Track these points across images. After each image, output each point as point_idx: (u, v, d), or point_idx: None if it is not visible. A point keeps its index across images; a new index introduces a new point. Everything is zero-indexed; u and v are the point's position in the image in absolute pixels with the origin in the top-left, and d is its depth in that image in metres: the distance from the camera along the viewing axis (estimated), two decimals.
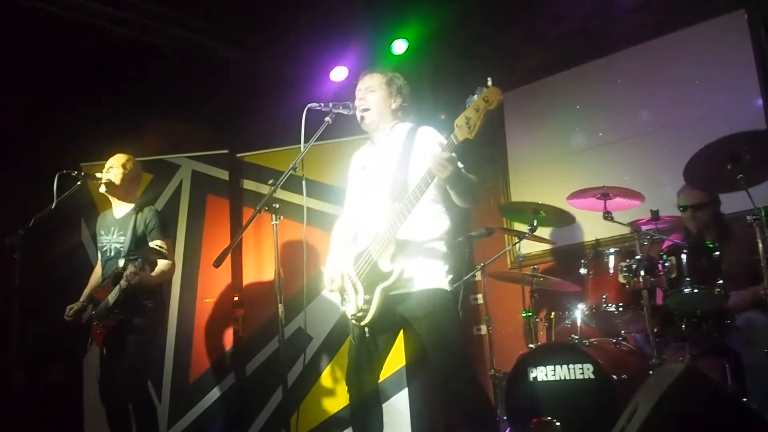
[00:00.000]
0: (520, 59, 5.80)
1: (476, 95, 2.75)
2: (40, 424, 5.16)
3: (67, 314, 4.31)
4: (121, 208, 4.40)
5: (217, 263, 2.96)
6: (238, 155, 5.62)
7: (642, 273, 3.81)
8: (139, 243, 4.21)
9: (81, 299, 4.40)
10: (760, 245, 3.43)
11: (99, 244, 4.42)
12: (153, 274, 4.11)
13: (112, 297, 4.08)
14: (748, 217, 3.49)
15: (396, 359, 4.87)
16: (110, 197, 4.41)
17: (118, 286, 4.04)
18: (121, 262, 4.05)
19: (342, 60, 5.60)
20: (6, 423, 4.48)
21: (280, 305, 3.10)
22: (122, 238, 4.26)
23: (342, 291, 3.30)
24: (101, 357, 4.22)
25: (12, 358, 4.07)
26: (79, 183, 4.24)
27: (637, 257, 3.89)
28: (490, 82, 2.74)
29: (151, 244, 4.19)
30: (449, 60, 5.81)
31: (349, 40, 5.46)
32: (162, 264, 4.18)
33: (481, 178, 3.20)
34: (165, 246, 4.19)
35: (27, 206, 4.25)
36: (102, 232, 4.40)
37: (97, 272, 4.49)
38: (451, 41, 5.68)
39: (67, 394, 5.22)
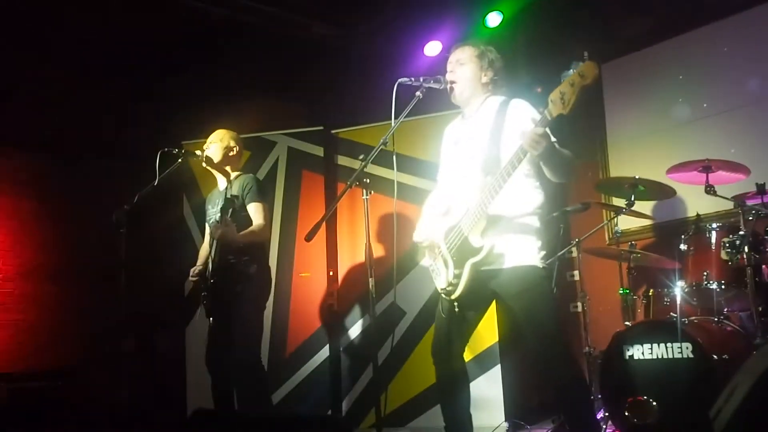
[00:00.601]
0: (620, 28, 5.59)
1: (572, 69, 2.67)
2: (148, 390, 5.44)
3: (191, 276, 4.35)
4: (223, 182, 4.50)
5: (309, 237, 3.03)
6: (333, 131, 5.70)
7: (746, 249, 3.66)
8: (235, 199, 4.21)
9: (198, 262, 4.45)
10: None
11: (207, 218, 4.53)
12: (241, 233, 4.13)
13: (210, 262, 4.17)
14: None
15: (490, 334, 4.87)
16: (214, 172, 4.51)
17: (213, 249, 4.12)
18: (220, 213, 4.07)
19: (436, 34, 5.55)
20: (118, 387, 4.74)
21: (370, 279, 3.14)
22: (222, 204, 4.31)
23: (433, 257, 3.31)
24: (209, 326, 4.28)
25: (122, 326, 4.28)
26: (180, 160, 4.35)
27: (741, 233, 3.73)
28: (586, 56, 2.65)
29: (248, 206, 4.27)
30: (545, 31, 5.66)
31: (443, 14, 5.41)
32: (254, 225, 4.23)
33: (577, 153, 3.13)
34: (261, 207, 4.26)
35: (132, 184, 4.43)
36: (209, 207, 4.52)
37: (204, 247, 4.57)
38: (548, 11, 5.53)
39: (172, 361, 5.49)
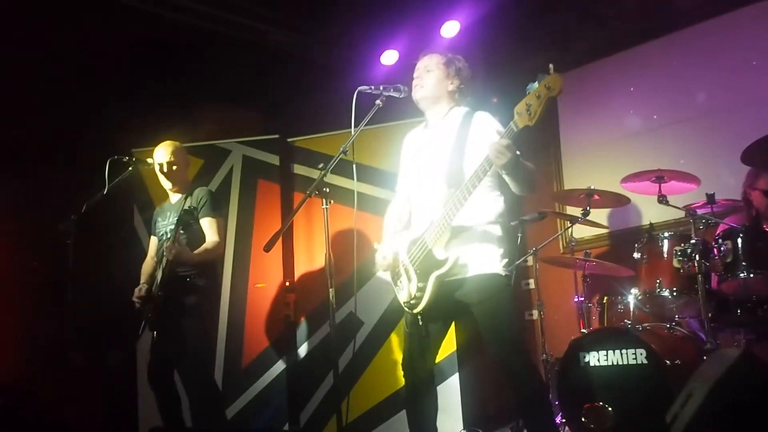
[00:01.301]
0: (574, 40, 5.69)
1: (537, 82, 2.70)
2: (99, 406, 5.29)
3: (136, 296, 4.24)
4: (175, 195, 4.46)
5: (268, 248, 2.99)
6: (289, 140, 5.64)
7: (697, 257, 3.73)
8: (188, 215, 4.17)
9: (142, 281, 4.39)
10: None
11: (156, 230, 4.47)
12: (195, 252, 4.11)
13: (159, 274, 4.11)
14: None
15: (448, 344, 4.86)
16: (166, 185, 4.46)
17: (161, 263, 4.07)
18: (172, 231, 4.07)
19: (393, 43, 5.58)
20: (67, 404, 4.60)
21: (330, 290, 3.12)
22: (176, 218, 4.25)
23: (394, 273, 3.30)
24: (152, 340, 4.22)
25: (70, 341, 4.17)
26: (130, 168, 4.30)
27: (692, 241, 3.81)
28: (552, 68, 2.68)
29: (201, 221, 4.23)
30: (501, 41, 5.73)
31: (400, 23, 5.42)
32: (207, 242, 4.20)
33: (534, 163, 3.16)
34: (215, 223, 4.22)
35: (80, 193, 4.33)
36: (159, 219, 4.47)
37: (148, 261, 4.50)
38: (504, 22, 5.60)
39: (123, 377, 5.35)
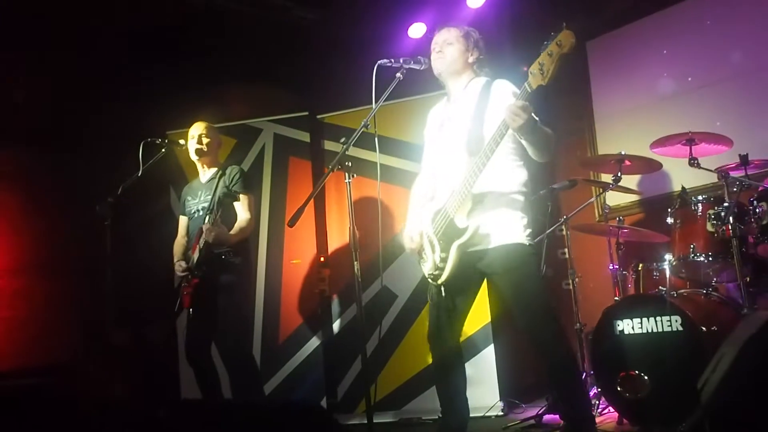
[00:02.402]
0: (604, 3, 5.57)
1: (549, 40, 2.68)
2: (141, 382, 5.42)
3: (180, 272, 4.34)
4: (207, 173, 4.51)
5: (292, 222, 3.01)
6: (319, 116, 5.67)
7: (731, 221, 3.65)
8: (226, 198, 4.24)
9: (176, 258, 4.47)
10: None
11: (186, 209, 4.52)
12: (231, 231, 4.17)
13: (196, 255, 4.18)
14: None
15: (482, 315, 4.87)
16: (198, 163, 4.52)
17: (199, 243, 4.13)
18: (209, 215, 4.14)
19: (419, 16, 5.53)
20: (111, 382, 4.73)
21: (356, 263, 3.14)
22: (209, 197, 4.34)
23: (420, 250, 3.32)
24: (188, 317, 4.31)
25: (111, 321, 4.29)
26: (164, 150, 4.38)
27: (726, 204, 3.73)
28: (564, 26, 2.67)
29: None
30: (530, 9, 5.64)
31: None
32: (241, 221, 4.25)
33: (564, 129, 3.13)
34: (247, 200, 4.28)
35: (116, 175, 4.42)
36: (189, 198, 4.52)
37: (179, 241, 4.57)
38: None
39: (164, 353, 5.48)
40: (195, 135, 4.48)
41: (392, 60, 3.34)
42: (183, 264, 4.33)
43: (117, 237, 4.15)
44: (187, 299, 4.25)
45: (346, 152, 3.23)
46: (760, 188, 3.92)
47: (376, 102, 3.26)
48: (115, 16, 5.23)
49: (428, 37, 5.02)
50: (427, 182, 3.50)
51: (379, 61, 3.32)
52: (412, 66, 3.34)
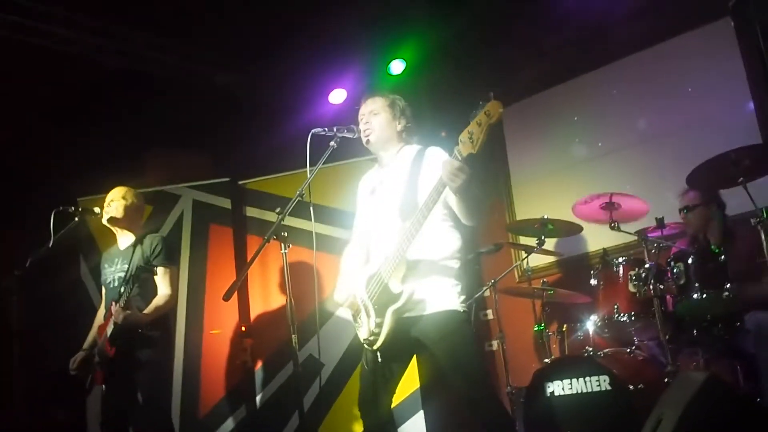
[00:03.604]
0: (517, 72, 5.81)
1: (478, 110, 2.74)
2: None
3: (71, 368, 4.13)
4: (124, 240, 4.33)
5: (227, 297, 2.93)
6: (240, 182, 5.60)
7: (652, 281, 3.81)
8: (144, 269, 4.07)
9: (84, 347, 4.24)
10: (765, 246, 3.43)
11: (102, 278, 4.33)
12: (146, 311, 4.00)
13: (109, 329, 3.97)
14: (752, 220, 3.50)
15: (409, 383, 4.83)
16: (114, 230, 4.34)
17: (112, 319, 3.95)
18: (123, 288, 3.95)
19: (340, 82, 5.62)
20: None
21: (293, 335, 3.07)
22: (126, 266, 4.17)
23: (355, 312, 3.27)
24: (102, 396, 4.08)
25: (15, 400, 4.03)
26: (76, 219, 4.19)
27: (646, 266, 3.90)
28: (491, 96, 2.71)
29: (154, 270, 4.11)
30: (447, 77, 5.82)
31: (347, 62, 5.47)
32: (159, 297, 4.10)
33: (484, 193, 3.18)
34: (168, 273, 4.14)
35: (25, 245, 4.21)
36: (106, 265, 4.33)
37: (100, 314, 4.36)
38: (448, 58, 5.69)
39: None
40: (109, 201, 4.32)
41: (326, 129, 3.34)
42: (80, 358, 4.14)
43: (26, 309, 3.93)
44: (99, 376, 4.04)
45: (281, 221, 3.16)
46: (674, 250, 4.11)
47: (310, 171, 3.24)
48: (30, 79, 5.06)
49: (350, 103, 5.12)
50: (359, 247, 3.48)
51: (312, 130, 3.31)
52: (346, 135, 3.35)
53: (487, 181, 5.80)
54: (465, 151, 2.77)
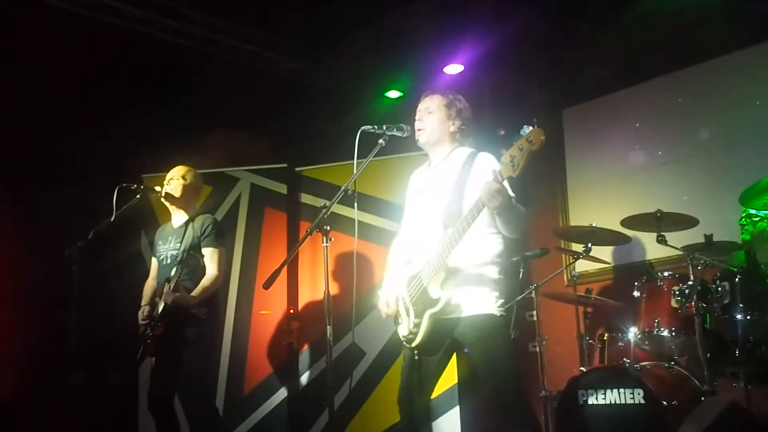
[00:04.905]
0: (579, 75, 5.75)
1: (521, 134, 2.78)
2: (97, 426, 5.32)
3: (141, 319, 4.27)
4: (179, 218, 4.48)
5: (267, 285, 3.04)
6: (297, 169, 5.72)
7: (694, 298, 3.77)
8: (194, 249, 4.25)
9: (143, 302, 4.41)
10: None
11: (156, 254, 4.49)
12: (193, 293, 4.13)
13: (161, 306, 4.12)
14: None
15: (448, 378, 4.89)
16: (170, 208, 4.51)
17: (163, 296, 4.09)
18: (174, 270, 4.11)
19: (398, 78, 5.66)
20: (67, 422, 4.64)
21: (328, 327, 3.16)
22: (178, 245, 4.31)
23: (396, 314, 3.36)
24: (152, 367, 4.27)
25: (71, 359, 4.22)
26: (138, 196, 4.32)
27: (690, 282, 3.85)
28: (535, 122, 2.76)
29: (203, 251, 4.27)
30: (507, 78, 5.80)
31: (406, 58, 5.51)
32: (206, 278, 4.22)
33: (537, 195, 3.20)
34: (217, 254, 4.27)
35: (89, 215, 4.39)
36: (160, 242, 4.49)
37: (149, 283, 4.53)
38: (509, 58, 5.66)
39: (124, 398, 5.39)
40: (168, 179, 4.48)
41: (375, 126, 3.39)
42: (147, 310, 4.28)
43: (85, 279, 4.10)
44: (150, 348, 4.21)
45: (325, 216, 3.25)
46: (722, 268, 4.04)
47: (357, 167, 3.31)
48: (99, 54, 5.25)
49: (407, 100, 5.15)
50: (405, 245, 3.54)
51: (362, 127, 3.38)
52: (395, 133, 3.40)
53: (542, 183, 5.77)
54: (506, 173, 2.82)
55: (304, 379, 5.32)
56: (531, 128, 2.73)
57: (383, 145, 3.40)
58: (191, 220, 4.42)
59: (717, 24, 4.90)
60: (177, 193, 4.44)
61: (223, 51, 5.52)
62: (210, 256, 4.29)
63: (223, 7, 5.17)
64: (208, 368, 4.45)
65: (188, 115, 5.73)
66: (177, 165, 4.61)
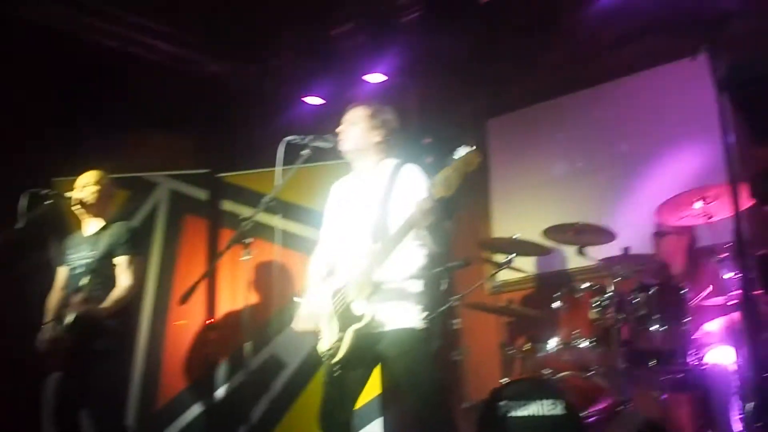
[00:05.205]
0: (506, 86, 5.81)
1: (456, 156, 2.80)
2: None
3: (43, 340, 4.06)
4: (92, 226, 4.32)
5: (183, 300, 2.94)
6: (219, 175, 5.58)
7: (612, 310, 3.85)
8: (108, 258, 4.12)
9: (48, 317, 4.21)
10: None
11: (66, 263, 4.30)
12: (105, 303, 3.99)
13: (69, 318, 3.94)
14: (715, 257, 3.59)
15: (371, 389, 4.83)
16: (83, 215, 4.34)
17: (71, 312, 3.93)
18: (85, 279, 3.98)
19: (322, 85, 5.59)
20: None
21: (246, 345, 3.09)
22: (91, 253, 4.15)
23: (316, 329, 3.30)
24: (57, 382, 4.05)
25: None
26: (48, 202, 4.15)
27: (608, 294, 3.94)
28: (473, 146, 2.81)
29: (117, 260, 4.13)
30: (434, 86, 5.82)
31: (330, 65, 5.46)
32: (118, 289, 4.09)
33: (462, 205, 3.22)
34: (133, 263, 4.13)
35: None
36: (71, 251, 4.31)
37: (55, 295, 4.33)
38: (437, 67, 5.69)
39: (25, 413, 5.13)
40: (82, 184, 4.31)
41: (300, 137, 3.36)
42: (52, 327, 4.08)
43: None
44: (55, 362, 4.02)
45: (248, 221, 3.18)
46: (638, 280, 4.15)
47: (282, 178, 3.25)
48: (12, 53, 5.00)
49: (331, 107, 5.09)
50: (327, 256, 3.49)
51: (286, 138, 3.34)
52: (319, 144, 3.38)
53: (467, 192, 5.79)
54: (439, 193, 2.83)
55: (222, 392, 5.17)
56: (468, 150, 2.78)
57: (309, 155, 3.38)
58: (105, 227, 4.26)
59: (634, 42, 5.04)
60: (91, 200, 4.28)
61: (145, 51, 5.35)
62: (124, 265, 4.14)
63: (146, 6, 5.01)
64: (120, 382, 4.29)
65: (106, 116, 5.51)
66: (92, 168, 4.42)
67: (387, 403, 4.93)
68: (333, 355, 3.17)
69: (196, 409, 5.11)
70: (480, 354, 5.27)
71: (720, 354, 3.76)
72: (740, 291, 3.36)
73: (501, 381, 4.32)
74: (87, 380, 3.96)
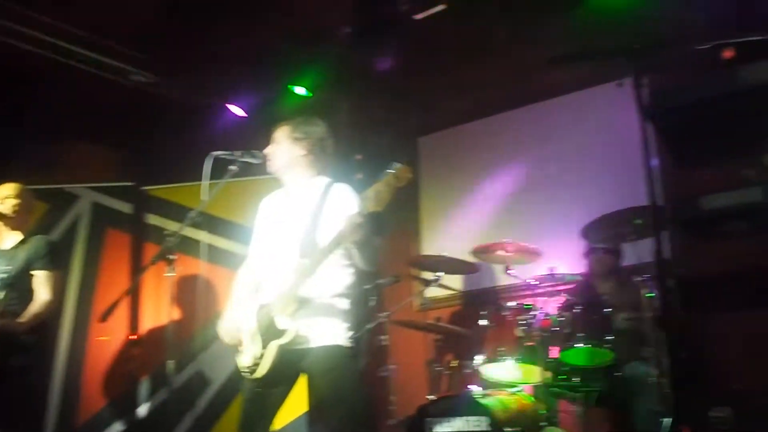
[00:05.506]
0: (436, 104, 5.88)
1: (388, 170, 2.81)
2: None
3: None
4: (10, 239, 4.19)
5: (104, 318, 2.85)
6: (144, 188, 5.46)
7: (537, 328, 3.92)
8: (26, 272, 4.02)
9: None
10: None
11: None
12: (22, 318, 3.89)
13: None
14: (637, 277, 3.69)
15: (298, 406, 4.77)
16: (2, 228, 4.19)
17: None
18: (2, 294, 3.87)
19: (249, 98, 5.53)
20: None
21: (169, 362, 3.01)
22: (8, 267, 4.03)
23: (238, 344, 3.25)
24: None
25: None
26: None
27: (533, 312, 4.00)
28: (404, 162, 2.82)
29: (35, 274, 4.02)
30: (366, 102, 5.83)
31: (260, 78, 5.40)
32: (36, 303, 3.99)
33: (392, 222, 3.23)
34: (51, 278, 4.02)
35: None
36: None
37: None
38: (369, 84, 5.70)
39: None
40: (1, 197, 4.17)
41: (228, 152, 3.32)
42: None
43: None
44: None
45: (173, 237, 3.11)
46: (564, 299, 4.24)
47: (208, 193, 3.20)
48: None
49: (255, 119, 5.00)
50: (254, 272, 3.45)
51: (213, 153, 3.29)
52: (247, 160, 3.34)
53: (396, 209, 5.82)
54: (370, 207, 2.83)
55: (144, 409, 5.03)
56: (399, 165, 2.79)
57: (236, 170, 3.35)
58: (24, 241, 4.15)
59: (565, 65, 5.15)
60: (10, 213, 4.16)
61: (68, 58, 5.17)
62: (42, 280, 4.03)
63: (69, 12, 4.86)
64: (37, 399, 4.14)
65: (25, 125, 5.31)
66: (10, 180, 4.29)
67: (314, 420, 4.87)
68: (254, 371, 3.14)
69: (117, 427, 4.98)
70: (407, 370, 5.28)
71: (640, 370, 3.89)
72: (660, 310, 3.46)
73: (428, 397, 4.36)
74: (3, 396, 3.83)
